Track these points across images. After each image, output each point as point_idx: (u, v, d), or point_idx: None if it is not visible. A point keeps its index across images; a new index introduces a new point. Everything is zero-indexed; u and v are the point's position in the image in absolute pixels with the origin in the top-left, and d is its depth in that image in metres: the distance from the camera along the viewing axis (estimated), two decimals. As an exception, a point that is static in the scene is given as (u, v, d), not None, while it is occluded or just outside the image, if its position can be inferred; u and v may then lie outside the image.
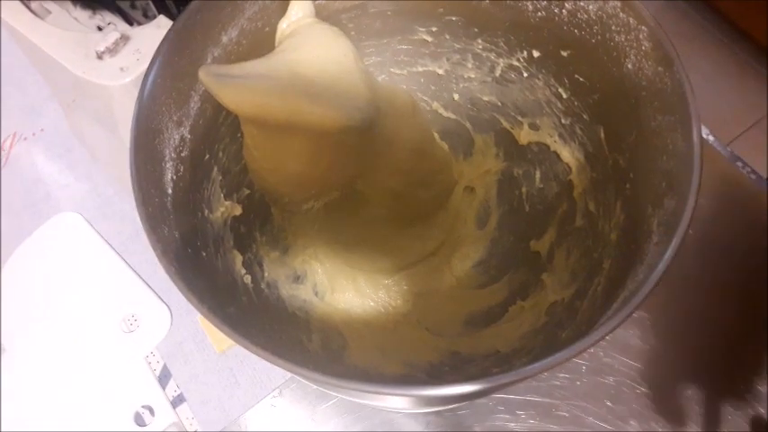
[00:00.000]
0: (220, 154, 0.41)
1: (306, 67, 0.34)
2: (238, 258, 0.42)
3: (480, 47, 0.44)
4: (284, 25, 0.37)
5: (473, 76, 0.47)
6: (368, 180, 0.41)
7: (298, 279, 0.49)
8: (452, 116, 0.51)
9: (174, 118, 0.35)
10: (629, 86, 0.35)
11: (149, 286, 0.58)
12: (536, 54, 0.41)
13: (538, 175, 0.48)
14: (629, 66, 0.34)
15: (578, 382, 0.49)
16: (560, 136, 0.44)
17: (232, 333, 0.27)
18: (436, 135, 0.51)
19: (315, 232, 0.49)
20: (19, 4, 0.51)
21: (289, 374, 0.50)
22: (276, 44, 0.37)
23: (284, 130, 0.34)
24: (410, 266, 0.50)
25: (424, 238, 0.50)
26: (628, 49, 0.34)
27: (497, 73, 0.45)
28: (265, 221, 0.48)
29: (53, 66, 0.48)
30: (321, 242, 0.50)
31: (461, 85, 0.48)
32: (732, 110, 1.25)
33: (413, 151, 0.43)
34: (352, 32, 0.44)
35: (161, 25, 0.48)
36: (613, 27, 0.35)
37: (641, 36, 0.33)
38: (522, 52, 0.42)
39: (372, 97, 0.37)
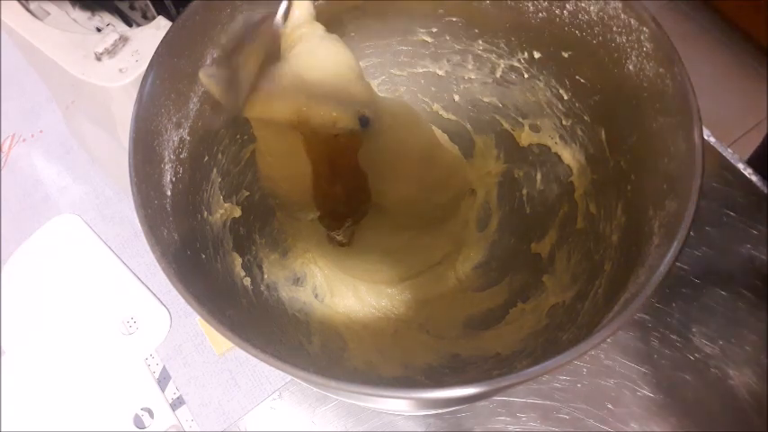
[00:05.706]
0: (219, 156, 0.41)
1: (309, 72, 0.34)
2: (238, 260, 0.42)
3: (481, 48, 0.44)
4: (288, 28, 0.37)
5: (474, 77, 0.47)
6: (381, 189, 0.41)
7: (297, 281, 0.49)
8: (453, 117, 0.51)
9: (173, 119, 0.35)
10: (630, 88, 0.35)
11: (148, 288, 0.58)
12: (537, 55, 0.41)
13: (539, 176, 0.47)
14: (631, 67, 0.34)
15: (579, 385, 0.49)
16: (561, 137, 0.44)
17: (231, 336, 0.27)
18: (446, 137, 0.51)
19: (315, 242, 0.49)
20: (17, 5, 0.50)
21: (289, 377, 0.50)
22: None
23: (295, 135, 0.34)
24: (414, 276, 0.50)
25: (431, 248, 0.50)
26: (629, 50, 0.34)
27: (498, 74, 0.45)
28: (265, 224, 0.47)
29: (52, 67, 0.48)
30: (321, 251, 0.50)
31: (462, 87, 0.48)
32: (733, 111, 1.25)
33: (421, 158, 0.43)
34: (352, 33, 0.44)
35: (160, 26, 0.47)
36: (614, 28, 0.35)
37: (642, 37, 0.33)
38: (523, 53, 0.42)
39: (373, 100, 0.37)
